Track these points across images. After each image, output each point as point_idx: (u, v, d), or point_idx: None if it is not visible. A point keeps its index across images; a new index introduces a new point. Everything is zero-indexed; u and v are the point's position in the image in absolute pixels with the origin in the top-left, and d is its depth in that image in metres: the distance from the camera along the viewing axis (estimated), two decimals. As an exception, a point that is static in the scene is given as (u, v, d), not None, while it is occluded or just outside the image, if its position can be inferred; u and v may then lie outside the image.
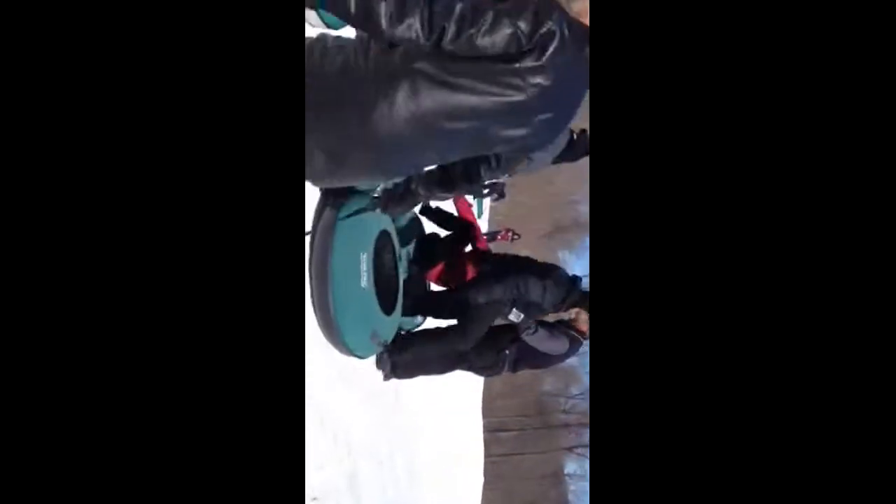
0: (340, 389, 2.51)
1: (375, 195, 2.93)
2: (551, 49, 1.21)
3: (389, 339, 2.77)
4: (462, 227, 3.33)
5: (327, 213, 2.66)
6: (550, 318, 3.29)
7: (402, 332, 2.79)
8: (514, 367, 3.14)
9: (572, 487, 20.77)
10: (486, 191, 4.02)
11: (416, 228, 3.39)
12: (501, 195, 4.16)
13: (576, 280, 2.89)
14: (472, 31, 1.17)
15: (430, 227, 3.42)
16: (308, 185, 1.66)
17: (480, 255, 3.18)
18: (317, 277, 2.49)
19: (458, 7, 1.16)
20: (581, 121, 1.86)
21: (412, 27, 1.16)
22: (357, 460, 2.58)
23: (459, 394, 7.33)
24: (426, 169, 1.69)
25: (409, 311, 2.81)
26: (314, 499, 2.09)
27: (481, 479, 10.47)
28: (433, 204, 3.38)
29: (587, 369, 22.83)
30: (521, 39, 1.19)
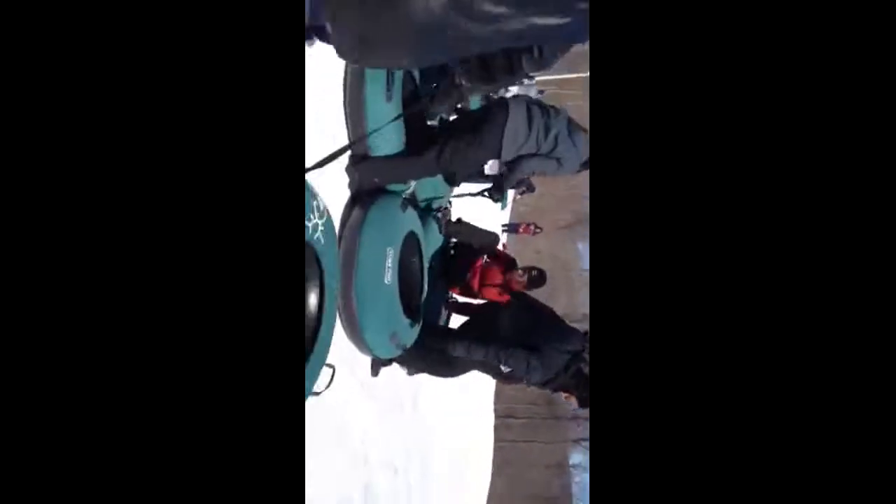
0: (360, 402, 2.40)
1: (406, 196, 2.81)
2: None
3: (409, 343, 2.65)
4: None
5: (357, 210, 2.54)
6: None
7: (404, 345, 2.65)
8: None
9: (577, 479, 20.87)
10: (521, 188, 3.94)
11: (439, 240, 3.30)
12: (530, 188, 4.12)
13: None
14: None
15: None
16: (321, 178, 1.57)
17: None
18: (344, 268, 2.39)
19: None
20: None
21: None
22: (373, 470, 2.49)
23: (474, 383, 7.26)
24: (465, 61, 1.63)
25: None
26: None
27: (490, 466, 10.50)
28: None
29: (599, 362, 22.95)
30: None
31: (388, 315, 2.55)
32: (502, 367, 2.70)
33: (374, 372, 2.64)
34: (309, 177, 1.50)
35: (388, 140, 2.68)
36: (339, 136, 2.60)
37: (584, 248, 22.98)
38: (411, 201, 3.02)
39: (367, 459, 2.57)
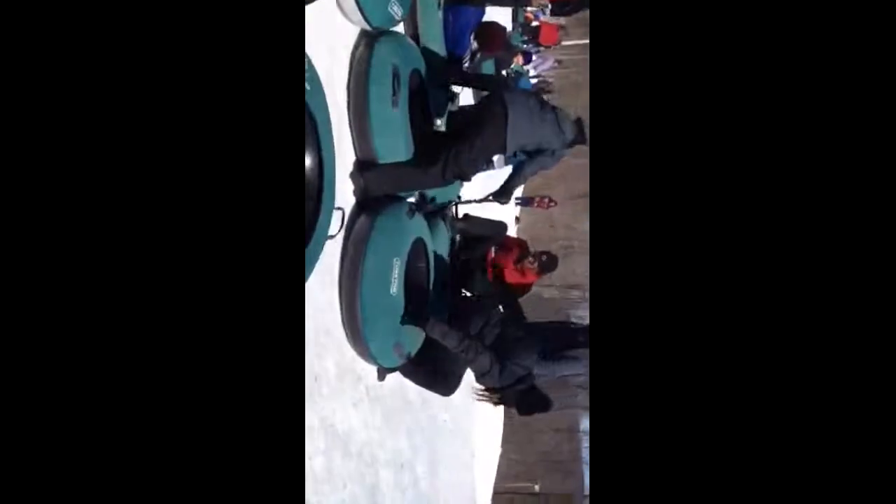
0: (366, 409, 2.46)
1: (412, 201, 2.81)
2: None
3: (413, 352, 2.69)
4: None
5: (363, 218, 2.55)
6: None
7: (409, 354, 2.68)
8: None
9: (585, 444, 21.16)
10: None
11: (447, 243, 3.31)
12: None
13: (518, 384, 2.73)
14: None
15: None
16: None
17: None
18: (347, 279, 2.41)
19: None
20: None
21: None
22: (379, 471, 2.56)
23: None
24: None
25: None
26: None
27: (501, 431, 10.68)
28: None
29: (611, 330, 22.94)
30: None
31: (392, 325, 2.59)
32: (469, 361, 2.75)
33: (381, 377, 2.70)
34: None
35: (395, 146, 2.67)
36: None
37: (599, 216, 22.63)
38: (418, 203, 3.02)
39: (375, 459, 2.65)
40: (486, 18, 3.91)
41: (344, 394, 2.42)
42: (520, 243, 3.79)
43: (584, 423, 21.98)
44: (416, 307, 2.69)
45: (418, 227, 2.88)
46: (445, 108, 3.34)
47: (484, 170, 2.82)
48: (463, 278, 3.30)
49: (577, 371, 3.32)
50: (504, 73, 5.81)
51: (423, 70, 2.96)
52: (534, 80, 9.87)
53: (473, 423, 5.66)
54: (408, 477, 3.13)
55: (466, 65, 3.60)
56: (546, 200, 8.55)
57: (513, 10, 6.94)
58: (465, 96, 3.97)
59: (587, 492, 22.39)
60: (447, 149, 2.65)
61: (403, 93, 2.68)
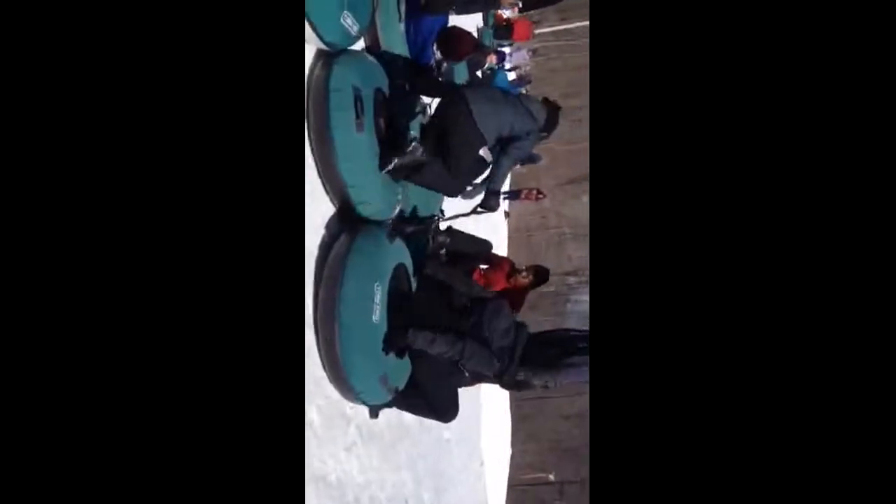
0: (361, 451, 2.33)
1: (392, 227, 2.67)
2: None
3: (402, 385, 2.53)
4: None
5: (344, 237, 2.40)
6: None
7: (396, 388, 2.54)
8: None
9: (597, 428, 21.30)
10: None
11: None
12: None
13: (505, 371, 2.63)
14: None
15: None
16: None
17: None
18: (323, 307, 2.26)
19: None
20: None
21: None
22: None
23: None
24: None
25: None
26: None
27: (510, 422, 10.61)
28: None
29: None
30: None
31: (376, 356, 2.43)
32: (468, 360, 2.62)
33: (373, 414, 2.57)
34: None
35: (363, 172, 2.54)
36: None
37: (587, 200, 22.65)
38: (398, 226, 2.88)
39: (376, 501, 2.53)
40: (451, 24, 3.77)
41: (334, 441, 2.30)
42: (508, 261, 3.70)
43: (593, 408, 22.14)
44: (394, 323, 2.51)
45: (399, 251, 2.75)
46: (416, 121, 3.22)
47: (482, 172, 2.81)
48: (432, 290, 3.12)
49: (579, 379, 3.21)
50: (479, 73, 5.69)
51: (385, 88, 2.83)
52: (511, 76, 9.75)
53: (480, 430, 5.56)
54: (413, 508, 3.02)
55: (434, 73, 3.47)
56: (535, 193, 8.37)
57: (483, 14, 6.83)
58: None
59: (603, 476, 22.50)
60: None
61: (368, 115, 2.55)
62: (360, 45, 2.88)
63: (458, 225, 3.67)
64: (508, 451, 9.58)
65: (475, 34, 5.59)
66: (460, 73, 4.57)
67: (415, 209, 3.15)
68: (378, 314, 2.44)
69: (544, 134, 2.98)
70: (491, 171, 2.89)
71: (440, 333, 2.54)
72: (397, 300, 2.59)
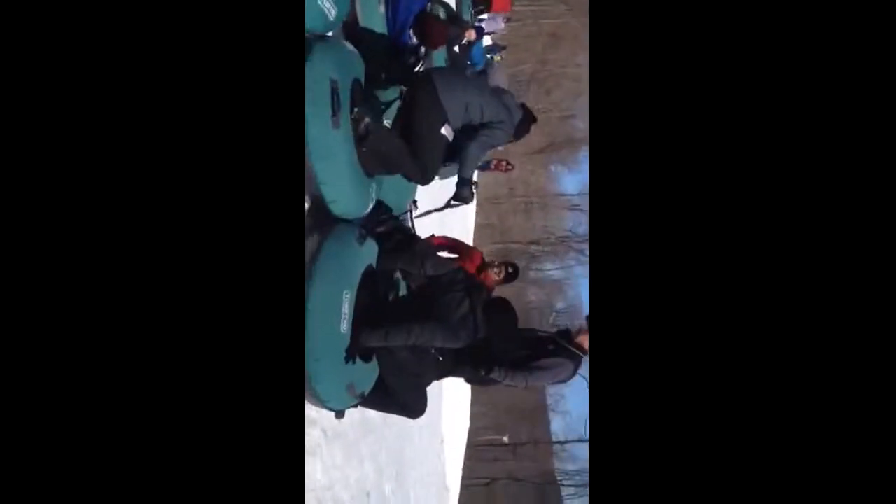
0: (324, 453, 2.31)
1: (362, 229, 2.58)
2: None
3: (367, 391, 2.49)
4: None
5: (314, 238, 2.31)
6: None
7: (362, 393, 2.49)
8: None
9: (550, 391, 22.05)
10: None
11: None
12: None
13: (472, 337, 2.51)
14: None
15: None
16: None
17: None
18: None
19: None
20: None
21: None
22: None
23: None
24: None
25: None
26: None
27: (469, 392, 10.88)
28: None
29: (572, 282, 23.56)
30: None
31: (343, 366, 2.37)
32: (430, 345, 2.55)
33: (339, 415, 2.54)
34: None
35: (338, 170, 2.43)
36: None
37: (555, 170, 22.72)
38: (369, 225, 2.79)
39: (339, 500, 2.54)
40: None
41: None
42: (479, 253, 3.64)
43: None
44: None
45: (370, 253, 2.67)
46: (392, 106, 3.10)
47: (450, 160, 2.72)
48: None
49: (548, 381, 3.25)
50: (456, 48, 5.53)
51: (363, 78, 2.69)
52: (488, 44, 9.51)
53: (441, 409, 5.62)
54: (375, 501, 3.04)
55: (414, 59, 3.33)
56: (504, 164, 8.35)
57: None
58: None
59: (554, 438, 23.44)
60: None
61: (345, 110, 2.42)
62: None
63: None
64: (468, 424, 9.79)
65: (453, 6, 5.39)
66: (439, 56, 4.43)
67: (383, 205, 3.05)
68: (346, 324, 2.38)
69: (511, 138, 2.90)
70: (460, 158, 2.80)
71: (392, 325, 2.48)
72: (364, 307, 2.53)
